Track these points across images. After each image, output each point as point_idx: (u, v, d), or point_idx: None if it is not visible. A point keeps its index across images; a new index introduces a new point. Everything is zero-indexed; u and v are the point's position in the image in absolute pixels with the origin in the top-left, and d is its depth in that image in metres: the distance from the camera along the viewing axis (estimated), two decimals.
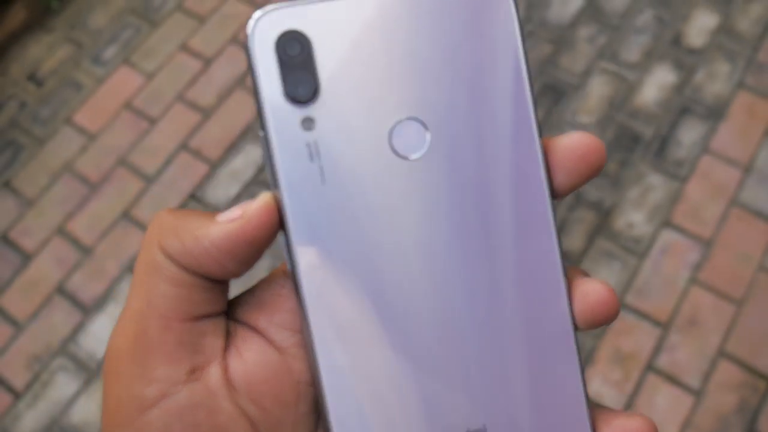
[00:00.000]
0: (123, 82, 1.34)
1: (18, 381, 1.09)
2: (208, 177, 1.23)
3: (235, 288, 1.15)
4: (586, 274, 0.23)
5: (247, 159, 1.24)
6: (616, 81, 1.25)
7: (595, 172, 0.22)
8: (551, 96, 1.25)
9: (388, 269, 0.21)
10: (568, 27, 1.31)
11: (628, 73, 1.26)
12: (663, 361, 1.03)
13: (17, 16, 1.43)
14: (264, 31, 0.21)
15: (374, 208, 0.21)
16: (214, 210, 1.19)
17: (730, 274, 1.08)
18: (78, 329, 1.13)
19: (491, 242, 0.22)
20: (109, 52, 1.38)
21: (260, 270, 1.14)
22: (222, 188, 1.22)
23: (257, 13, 0.21)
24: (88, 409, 1.07)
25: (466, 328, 0.22)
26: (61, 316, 1.14)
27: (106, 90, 1.34)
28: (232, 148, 1.25)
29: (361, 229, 0.21)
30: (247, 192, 1.21)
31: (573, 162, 0.22)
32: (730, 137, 1.19)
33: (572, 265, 0.23)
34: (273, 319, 0.22)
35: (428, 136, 0.21)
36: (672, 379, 1.01)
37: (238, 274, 0.21)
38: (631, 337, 1.05)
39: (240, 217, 0.20)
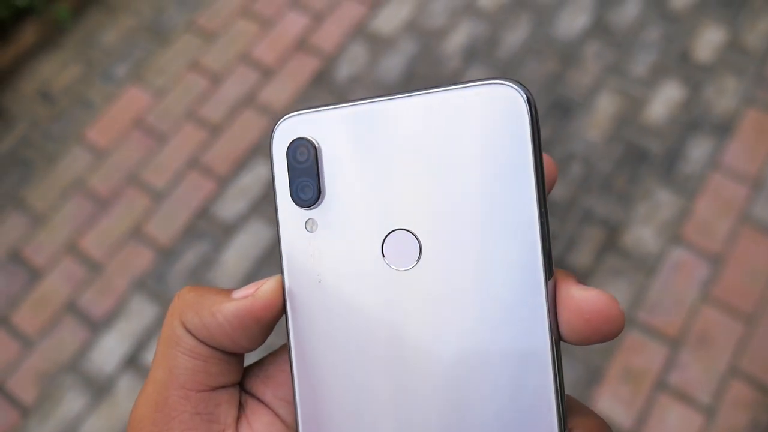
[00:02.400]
0: (134, 99, 1.36)
1: (28, 398, 1.10)
2: (217, 194, 1.24)
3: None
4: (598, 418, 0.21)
5: (256, 176, 1.24)
6: (623, 97, 1.26)
7: (603, 338, 0.19)
8: (558, 113, 1.25)
9: (373, 376, 0.21)
10: (576, 43, 1.32)
11: (635, 89, 1.26)
12: (673, 379, 1.02)
13: (29, 34, 1.45)
14: (281, 135, 0.22)
15: (364, 314, 0.21)
16: (222, 227, 1.20)
17: (740, 290, 1.07)
18: (88, 346, 1.13)
19: (473, 364, 0.20)
20: (120, 70, 1.40)
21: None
22: (231, 205, 1.22)
23: (283, 118, 0.22)
24: (98, 426, 1.07)
25: None
26: (71, 333, 1.14)
27: (117, 108, 1.35)
28: (241, 165, 1.26)
29: (349, 333, 0.22)
30: (256, 209, 1.21)
31: (579, 324, 0.19)
32: (739, 153, 1.18)
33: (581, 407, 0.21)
34: (278, 393, 0.23)
35: (420, 248, 0.21)
36: (683, 397, 1.00)
37: (249, 349, 0.22)
38: (641, 354, 1.04)
39: (251, 295, 0.22)
